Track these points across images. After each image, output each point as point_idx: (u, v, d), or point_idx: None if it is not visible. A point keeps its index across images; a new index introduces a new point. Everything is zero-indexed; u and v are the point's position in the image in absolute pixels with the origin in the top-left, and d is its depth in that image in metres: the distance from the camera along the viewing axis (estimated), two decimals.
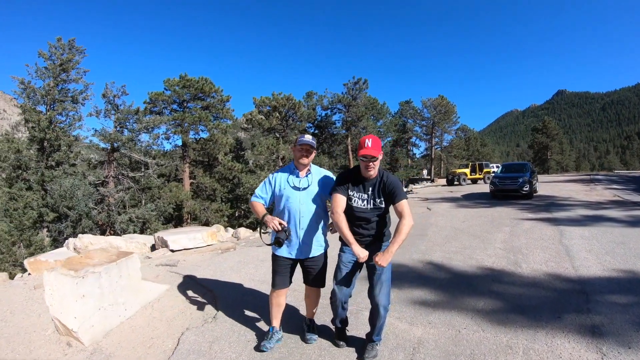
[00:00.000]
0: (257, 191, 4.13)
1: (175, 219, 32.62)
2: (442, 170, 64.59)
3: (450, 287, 5.79)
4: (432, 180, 50.08)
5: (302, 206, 3.94)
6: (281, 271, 4.07)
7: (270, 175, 4.15)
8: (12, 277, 8.58)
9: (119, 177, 25.73)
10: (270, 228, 3.85)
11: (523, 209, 13.68)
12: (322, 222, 4.06)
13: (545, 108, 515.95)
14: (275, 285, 4.11)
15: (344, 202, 3.82)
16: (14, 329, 4.85)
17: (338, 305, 3.92)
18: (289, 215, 3.97)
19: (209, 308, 5.28)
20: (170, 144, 34.56)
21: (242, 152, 40.98)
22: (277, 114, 34.76)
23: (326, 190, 4.00)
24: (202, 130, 32.66)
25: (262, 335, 4.27)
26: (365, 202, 3.82)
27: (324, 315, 4.65)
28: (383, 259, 3.51)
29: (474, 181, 37.36)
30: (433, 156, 62.17)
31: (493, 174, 18.42)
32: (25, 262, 8.05)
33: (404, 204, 3.70)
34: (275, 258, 4.07)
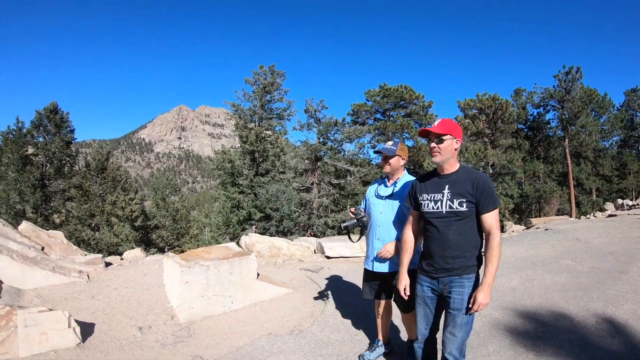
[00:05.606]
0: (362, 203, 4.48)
1: None
2: None
3: None
4: None
5: (381, 215, 4.02)
6: (366, 279, 4.32)
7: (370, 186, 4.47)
8: None
9: (322, 183, 28.94)
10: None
11: None
12: None
13: None
14: (362, 293, 4.39)
15: (411, 214, 3.54)
16: (150, 297, 6.18)
17: (419, 355, 3.51)
18: (370, 225, 4.15)
19: (308, 320, 5.63)
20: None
21: None
22: (484, 117, 33.15)
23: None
24: (407, 138, 33.17)
25: None
26: (439, 204, 3.18)
27: None
28: (484, 296, 2.98)
29: None
30: None
31: None
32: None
33: (495, 215, 3.10)
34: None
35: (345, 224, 4.09)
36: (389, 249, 3.86)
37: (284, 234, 24.13)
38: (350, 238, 4.49)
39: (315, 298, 6.48)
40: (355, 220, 4.06)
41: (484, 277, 3.00)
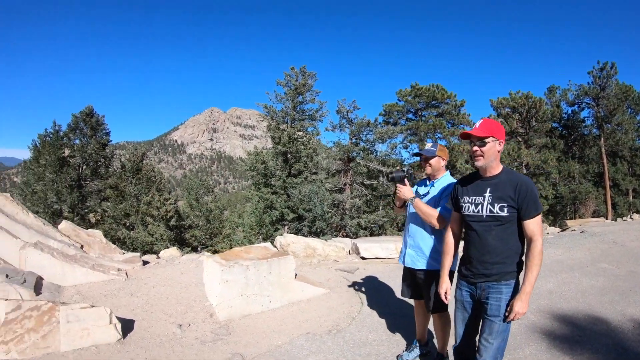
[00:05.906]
0: None
1: None
2: None
3: None
4: None
5: (415, 213, 4.05)
6: (404, 278, 4.34)
7: None
8: None
9: (354, 184, 29.47)
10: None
11: None
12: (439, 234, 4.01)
13: None
14: (401, 291, 4.47)
15: (453, 216, 3.46)
16: (189, 295, 6.31)
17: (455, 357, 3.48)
18: (405, 222, 4.24)
19: (345, 320, 5.63)
20: (409, 152, 35.60)
21: None
22: (517, 115, 32.42)
23: (446, 199, 3.81)
24: (439, 138, 32.89)
25: None
26: (479, 207, 3.07)
27: None
28: (522, 305, 2.88)
29: None
30: None
31: None
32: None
33: (537, 221, 2.95)
34: None
35: (392, 175, 4.02)
36: (403, 190, 3.89)
37: (316, 234, 24.24)
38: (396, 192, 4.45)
39: (352, 298, 6.46)
40: (403, 172, 4.02)
41: (523, 285, 2.90)
